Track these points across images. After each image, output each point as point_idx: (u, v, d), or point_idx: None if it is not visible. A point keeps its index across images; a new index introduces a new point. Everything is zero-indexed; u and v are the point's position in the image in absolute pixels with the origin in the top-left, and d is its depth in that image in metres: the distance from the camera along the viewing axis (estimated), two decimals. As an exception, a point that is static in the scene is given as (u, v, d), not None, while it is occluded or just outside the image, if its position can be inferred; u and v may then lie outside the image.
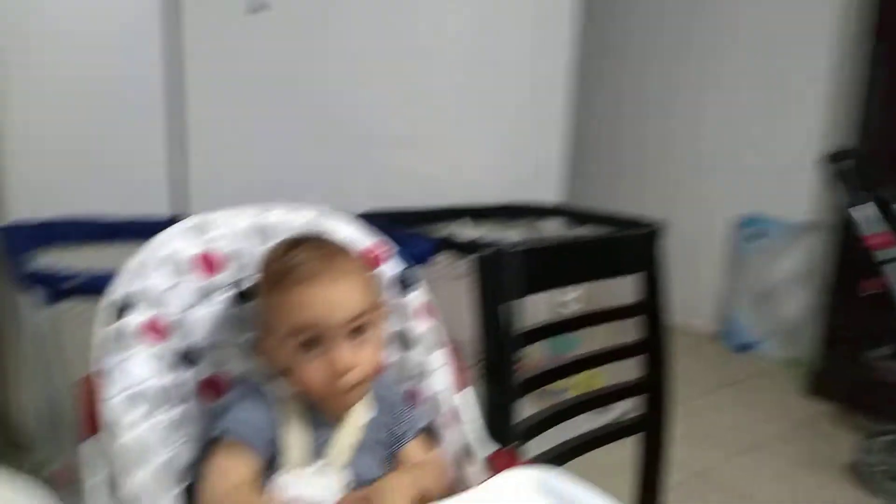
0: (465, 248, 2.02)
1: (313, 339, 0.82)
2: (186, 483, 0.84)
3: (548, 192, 2.66)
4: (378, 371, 0.88)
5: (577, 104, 2.75)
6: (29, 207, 1.75)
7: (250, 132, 1.99)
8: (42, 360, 1.56)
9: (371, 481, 0.85)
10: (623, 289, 1.65)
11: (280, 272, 0.85)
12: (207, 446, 0.83)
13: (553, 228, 2.61)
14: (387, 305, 0.95)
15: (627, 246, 1.63)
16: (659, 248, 1.65)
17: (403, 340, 0.99)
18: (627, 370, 1.67)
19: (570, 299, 2.03)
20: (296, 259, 0.85)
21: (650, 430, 1.64)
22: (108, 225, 1.78)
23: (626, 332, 1.65)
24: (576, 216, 2.50)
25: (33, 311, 1.49)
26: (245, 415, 0.83)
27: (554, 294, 2.08)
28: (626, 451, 1.68)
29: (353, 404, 0.87)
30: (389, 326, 0.99)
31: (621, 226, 1.84)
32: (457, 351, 1.05)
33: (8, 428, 2.00)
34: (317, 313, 0.82)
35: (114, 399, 0.80)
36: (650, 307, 1.63)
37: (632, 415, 1.70)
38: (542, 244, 1.51)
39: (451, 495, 0.82)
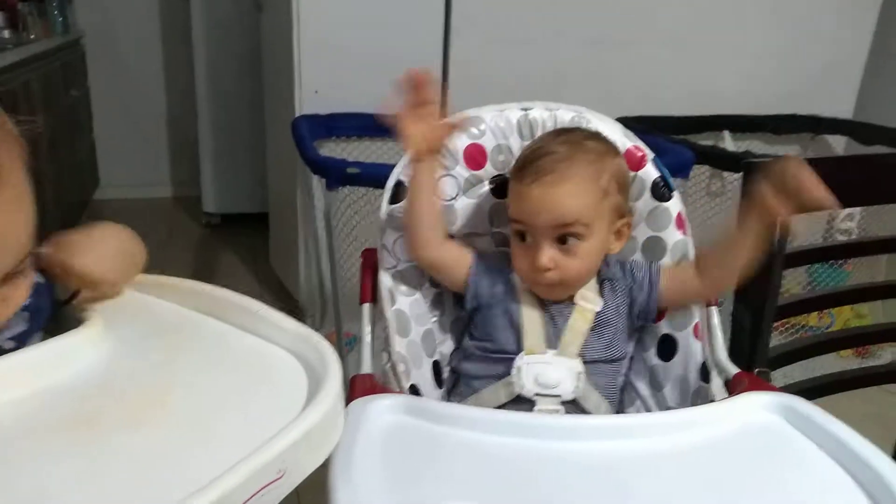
0: (728, 161, 1.89)
1: (524, 232, 0.87)
2: (437, 357, 0.94)
3: (832, 104, 2.34)
4: (581, 279, 0.90)
5: None
6: (316, 103, 1.97)
7: (514, 30, 2.01)
8: (323, 237, 1.79)
9: (605, 368, 0.89)
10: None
11: (521, 159, 0.90)
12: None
13: (834, 146, 2.32)
14: (630, 214, 0.93)
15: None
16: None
17: (655, 248, 0.97)
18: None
19: (844, 227, 1.82)
20: (538, 150, 0.88)
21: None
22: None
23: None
24: (863, 133, 2.19)
25: (320, 191, 1.71)
26: (487, 265, 0.92)
27: (825, 220, 1.88)
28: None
29: (559, 297, 0.90)
30: (640, 233, 0.98)
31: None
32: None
33: (289, 296, 2.34)
34: (528, 210, 0.86)
35: (391, 270, 0.91)
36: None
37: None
38: (818, 158, 1.35)
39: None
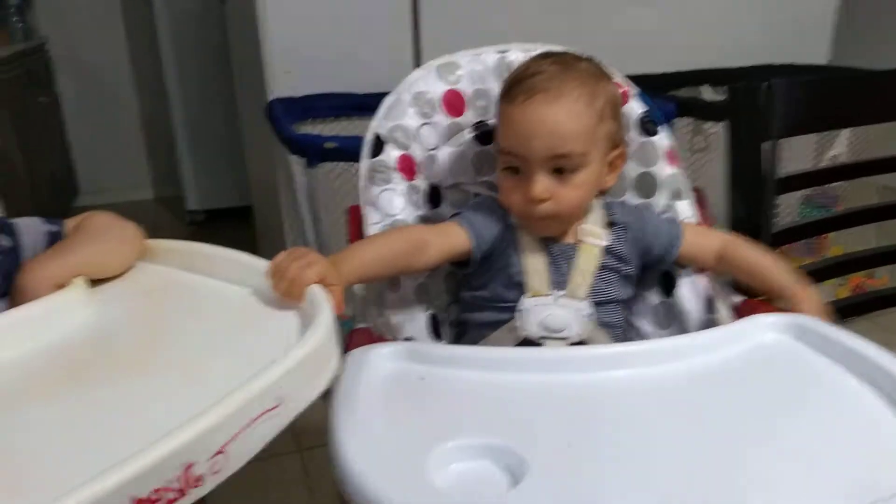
0: (711, 110, 1.87)
1: (516, 166, 0.82)
2: (433, 311, 0.91)
3: (808, 53, 2.33)
4: (576, 211, 0.85)
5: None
6: (289, 86, 1.93)
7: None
8: (308, 218, 1.77)
9: (612, 310, 0.86)
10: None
11: (509, 80, 0.85)
12: None
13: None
14: (624, 144, 0.89)
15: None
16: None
17: (646, 184, 0.95)
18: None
19: (837, 153, 1.81)
20: (527, 70, 0.83)
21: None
22: (357, 98, 1.92)
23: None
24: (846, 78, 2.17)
25: (300, 173, 1.69)
26: (476, 214, 0.87)
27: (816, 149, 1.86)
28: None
29: (554, 233, 0.87)
30: (630, 170, 0.96)
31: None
32: (702, 200, 0.99)
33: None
34: (521, 134, 0.80)
35: (376, 225, 0.89)
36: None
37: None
38: (809, 80, 1.31)
39: None
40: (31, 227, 0.73)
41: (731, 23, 2.26)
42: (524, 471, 0.52)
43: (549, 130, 0.79)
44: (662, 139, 0.95)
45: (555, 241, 0.87)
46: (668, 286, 0.92)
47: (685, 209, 0.94)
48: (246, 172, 2.70)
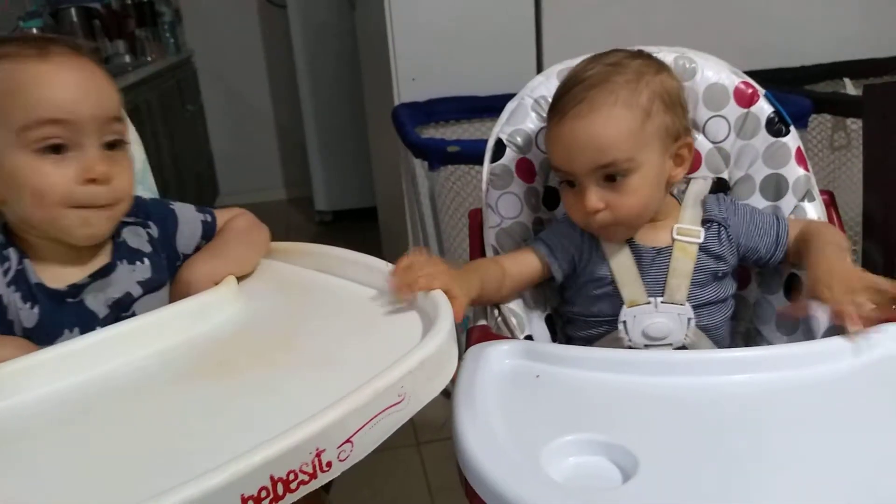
0: (852, 106, 1.75)
1: (569, 179, 0.81)
2: (549, 311, 0.93)
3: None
4: (640, 214, 0.82)
5: None
6: (414, 91, 2.00)
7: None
8: (430, 220, 1.82)
9: (713, 311, 0.85)
10: None
11: (554, 96, 0.83)
12: None
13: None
14: (688, 134, 0.84)
15: None
16: None
17: (774, 187, 0.92)
18: None
19: None
20: (569, 80, 0.81)
21: None
22: (480, 100, 1.96)
23: None
24: None
25: (423, 175, 1.75)
26: (553, 235, 0.88)
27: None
28: None
29: (624, 238, 0.85)
30: (758, 172, 0.93)
31: None
32: (831, 203, 0.95)
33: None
34: (562, 152, 0.80)
35: (495, 228, 0.92)
36: None
37: None
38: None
39: None
40: (188, 216, 0.83)
41: (875, 11, 2.11)
42: (636, 468, 0.53)
43: (586, 144, 0.78)
44: (792, 140, 0.92)
45: (645, 243, 0.85)
46: (791, 289, 0.89)
47: (813, 211, 0.90)
48: (371, 175, 2.81)
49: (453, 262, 0.83)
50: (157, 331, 0.66)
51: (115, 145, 0.72)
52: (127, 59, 2.69)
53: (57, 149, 0.68)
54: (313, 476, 0.48)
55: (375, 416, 0.51)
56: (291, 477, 0.46)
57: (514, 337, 0.83)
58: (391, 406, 0.52)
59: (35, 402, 0.58)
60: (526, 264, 0.87)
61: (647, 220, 0.85)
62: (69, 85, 0.69)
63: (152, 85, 2.52)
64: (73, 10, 2.62)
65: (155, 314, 0.68)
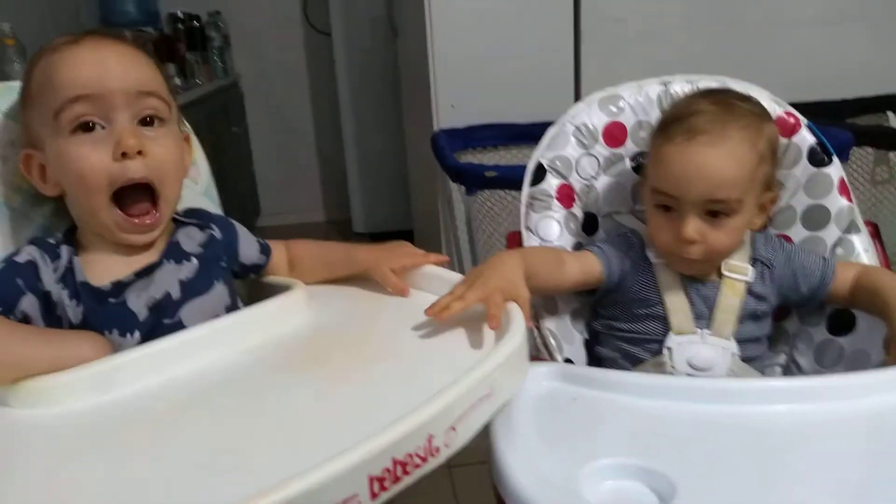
0: (892, 140, 1.73)
1: (669, 205, 0.81)
2: (587, 335, 0.93)
3: None
4: (723, 256, 0.84)
5: None
6: (453, 117, 2.03)
7: (645, 22, 1.97)
8: (466, 243, 1.84)
9: (755, 346, 0.84)
10: None
11: (666, 118, 0.84)
12: None
13: None
14: (776, 188, 0.87)
15: None
16: None
17: (816, 217, 0.92)
18: None
19: None
20: (686, 108, 0.82)
21: None
22: (518, 127, 1.98)
23: None
24: None
25: (460, 199, 1.77)
26: (609, 246, 0.88)
27: None
28: None
29: (699, 273, 0.85)
30: (799, 202, 0.92)
31: None
32: (876, 234, 0.94)
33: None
34: (678, 175, 0.79)
35: (533, 251, 0.92)
36: None
37: None
38: None
39: None
40: (245, 232, 0.85)
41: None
42: (674, 494, 0.53)
43: (708, 175, 0.78)
44: (834, 170, 0.92)
45: (696, 277, 0.86)
46: (838, 324, 0.88)
47: (859, 243, 0.90)
48: (409, 199, 2.85)
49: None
50: (241, 330, 0.69)
51: (152, 122, 0.72)
52: (177, 81, 2.77)
53: (89, 127, 0.69)
54: (424, 460, 0.51)
55: (473, 407, 0.55)
56: (408, 460, 0.49)
57: (552, 358, 0.84)
58: (483, 398, 0.56)
59: (144, 394, 0.61)
60: (588, 262, 0.87)
61: (724, 258, 0.86)
62: (93, 61, 0.69)
63: (201, 107, 2.59)
64: (127, 34, 2.72)
65: (237, 315, 0.72)
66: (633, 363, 0.86)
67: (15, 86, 0.77)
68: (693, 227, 0.79)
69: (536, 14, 1.96)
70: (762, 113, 0.84)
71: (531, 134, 1.78)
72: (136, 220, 0.72)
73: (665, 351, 0.84)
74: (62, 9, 2.75)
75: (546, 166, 0.94)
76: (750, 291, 0.85)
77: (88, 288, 0.71)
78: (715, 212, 0.79)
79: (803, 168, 0.92)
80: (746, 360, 0.84)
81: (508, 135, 2.01)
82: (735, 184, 0.78)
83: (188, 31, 3.07)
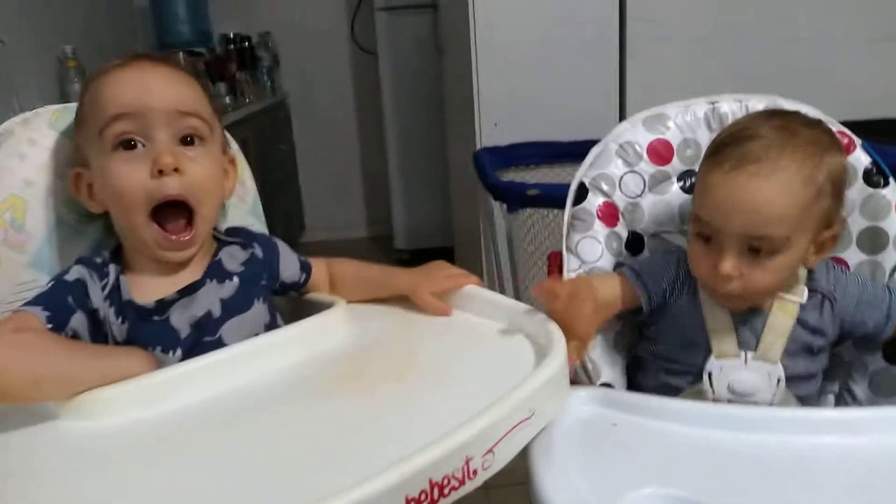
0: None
1: (709, 234, 0.76)
2: (628, 359, 0.91)
3: None
4: (765, 294, 0.79)
5: None
6: (496, 135, 2.04)
7: (692, 32, 1.95)
8: (506, 262, 1.83)
9: (807, 384, 0.81)
10: None
11: (719, 140, 0.77)
12: None
13: None
14: (839, 224, 0.80)
15: None
16: None
17: (873, 240, 0.88)
18: None
19: None
20: (742, 132, 0.75)
21: None
22: (560, 146, 1.97)
23: None
24: None
25: (501, 217, 1.76)
26: (647, 265, 0.85)
27: None
28: None
29: (739, 308, 0.80)
30: (855, 224, 0.89)
31: None
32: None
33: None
34: (720, 205, 0.73)
35: (574, 272, 0.91)
36: None
37: None
38: None
39: None
40: (287, 250, 0.87)
41: None
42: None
43: (753, 208, 0.72)
44: (892, 192, 0.88)
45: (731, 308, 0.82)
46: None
47: (921, 267, 0.86)
48: (450, 216, 2.85)
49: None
50: (281, 347, 0.71)
51: (192, 141, 0.74)
52: (227, 100, 2.84)
53: (130, 145, 0.71)
54: (462, 482, 0.51)
55: (512, 429, 0.55)
56: (445, 482, 0.50)
57: (591, 383, 0.82)
58: (523, 420, 0.56)
59: (187, 409, 0.63)
60: (611, 286, 0.84)
61: (769, 296, 0.81)
62: (136, 82, 0.72)
63: (249, 125, 2.65)
64: (181, 55, 2.80)
65: (277, 333, 0.74)
66: (680, 388, 0.83)
67: (72, 107, 0.80)
68: (731, 263, 0.74)
69: (581, 33, 1.96)
70: (829, 141, 0.77)
71: (574, 152, 1.77)
72: (173, 237, 0.74)
73: (705, 376, 0.81)
74: (122, 32, 2.86)
75: (588, 185, 0.93)
76: (801, 324, 0.81)
77: (133, 306, 0.73)
78: (757, 248, 0.74)
79: (859, 189, 0.89)
80: (797, 392, 0.81)
81: (551, 153, 2.00)
82: (782, 221, 0.72)
83: (239, 52, 3.16)
